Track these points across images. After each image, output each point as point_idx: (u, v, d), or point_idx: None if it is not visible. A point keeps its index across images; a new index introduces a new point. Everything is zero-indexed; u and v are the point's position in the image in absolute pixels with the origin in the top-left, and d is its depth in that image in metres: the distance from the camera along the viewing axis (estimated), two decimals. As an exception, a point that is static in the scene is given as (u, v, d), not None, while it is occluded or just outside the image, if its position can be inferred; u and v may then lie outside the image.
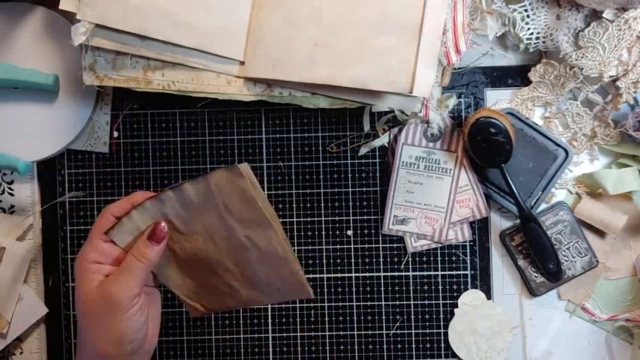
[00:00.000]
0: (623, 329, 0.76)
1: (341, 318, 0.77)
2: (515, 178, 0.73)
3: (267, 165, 0.77)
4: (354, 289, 0.77)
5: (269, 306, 0.78)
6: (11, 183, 0.78)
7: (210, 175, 0.58)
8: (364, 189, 0.77)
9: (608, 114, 0.74)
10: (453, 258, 0.77)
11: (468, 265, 0.77)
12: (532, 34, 0.73)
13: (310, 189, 0.77)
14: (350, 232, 0.77)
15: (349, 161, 0.77)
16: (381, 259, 0.77)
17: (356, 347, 0.77)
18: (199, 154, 0.77)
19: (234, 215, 0.59)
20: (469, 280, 0.77)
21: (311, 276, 0.77)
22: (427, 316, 0.77)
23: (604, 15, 0.69)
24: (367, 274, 0.77)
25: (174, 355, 0.78)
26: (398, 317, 0.77)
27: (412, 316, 0.77)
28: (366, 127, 0.76)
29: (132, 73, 0.69)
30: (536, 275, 0.75)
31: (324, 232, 0.77)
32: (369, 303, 0.77)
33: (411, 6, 0.65)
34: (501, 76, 0.76)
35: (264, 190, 0.77)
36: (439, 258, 0.77)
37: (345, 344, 0.77)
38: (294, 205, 0.77)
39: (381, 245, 0.77)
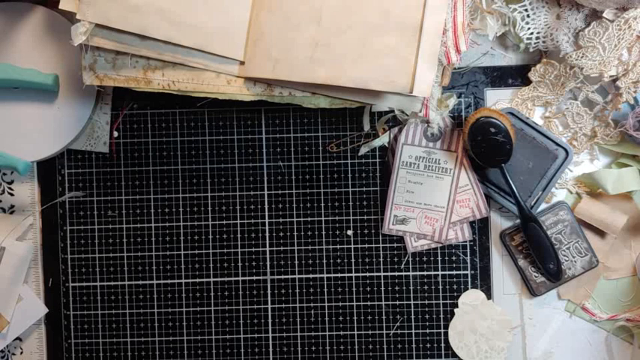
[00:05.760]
0: (623, 329, 0.76)
1: (341, 318, 0.77)
2: (515, 178, 0.73)
3: (267, 165, 0.77)
4: (354, 289, 0.77)
5: (269, 306, 0.78)
6: (11, 183, 0.78)
7: None
8: (364, 189, 0.77)
9: (608, 114, 0.74)
10: (453, 258, 0.77)
11: (468, 265, 0.77)
12: (532, 33, 0.73)
13: (310, 189, 0.77)
14: (350, 232, 0.77)
15: (349, 161, 0.77)
16: (381, 259, 0.77)
17: (356, 347, 0.77)
18: (199, 154, 0.77)
19: None
20: (469, 280, 0.77)
21: (311, 276, 0.77)
22: (427, 316, 0.77)
23: (604, 15, 0.69)
24: (367, 274, 0.77)
25: (174, 355, 0.78)
26: (398, 317, 0.77)
27: (412, 316, 0.77)
28: (366, 127, 0.76)
29: (132, 73, 0.69)
30: (536, 275, 0.75)
31: (324, 232, 0.77)
32: (369, 303, 0.77)
33: (411, 6, 0.65)
34: (501, 76, 0.76)
35: (264, 190, 0.77)
36: (439, 258, 0.77)
37: (345, 344, 0.77)
38: (294, 205, 0.77)
39: (381, 245, 0.77)
